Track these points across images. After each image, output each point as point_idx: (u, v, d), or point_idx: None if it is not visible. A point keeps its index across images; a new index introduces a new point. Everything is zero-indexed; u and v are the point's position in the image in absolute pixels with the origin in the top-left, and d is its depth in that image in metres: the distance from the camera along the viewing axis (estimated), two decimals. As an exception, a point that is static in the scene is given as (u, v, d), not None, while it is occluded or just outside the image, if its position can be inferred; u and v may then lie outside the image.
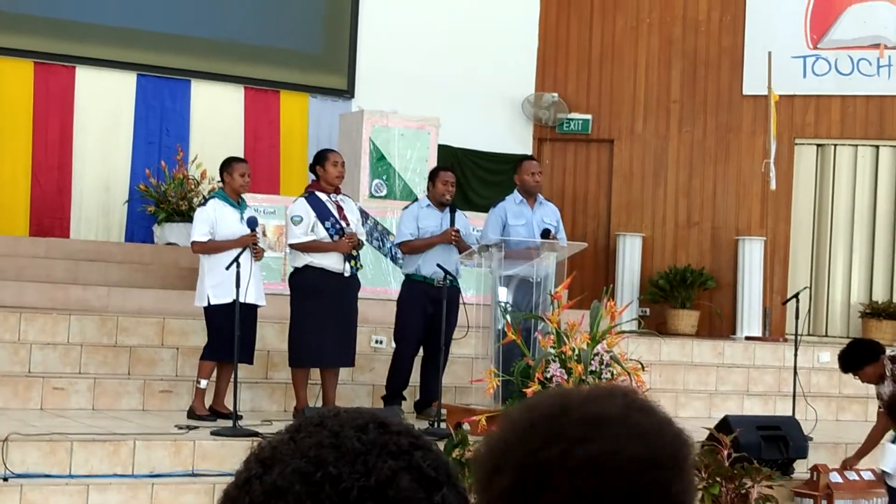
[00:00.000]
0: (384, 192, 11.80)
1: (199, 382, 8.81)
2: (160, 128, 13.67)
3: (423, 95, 13.92)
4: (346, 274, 8.95)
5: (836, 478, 8.77)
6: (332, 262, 8.92)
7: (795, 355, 10.41)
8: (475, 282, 9.90)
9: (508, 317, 8.67)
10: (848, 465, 8.79)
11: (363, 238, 9.23)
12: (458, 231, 9.37)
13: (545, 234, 9.33)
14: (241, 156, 11.26)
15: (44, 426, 7.77)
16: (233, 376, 8.40)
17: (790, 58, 14.61)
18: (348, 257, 8.95)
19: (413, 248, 9.41)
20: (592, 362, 8.23)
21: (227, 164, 9.09)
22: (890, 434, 7.80)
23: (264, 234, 10.45)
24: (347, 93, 14.59)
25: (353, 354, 9.08)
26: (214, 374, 8.88)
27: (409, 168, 11.81)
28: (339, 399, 9.14)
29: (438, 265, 9.09)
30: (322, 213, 8.97)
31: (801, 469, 9.09)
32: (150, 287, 11.20)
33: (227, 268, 8.36)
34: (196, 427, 8.23)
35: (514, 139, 15.28)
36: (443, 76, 14.65)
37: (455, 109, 13.93)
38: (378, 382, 9.78)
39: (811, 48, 14.81)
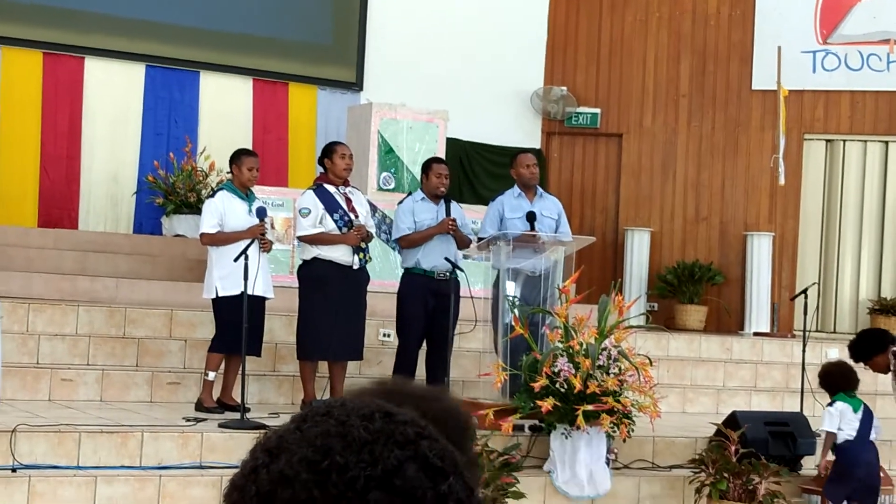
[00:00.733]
0: (392, 185, 11.80)
1: (207, 374, 8.81)
2: (169, 119, 13.67)
3: (432, 88, 13.92)
4: (355, 266, 8.94)
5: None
6: (340, 254, 8.90)
7: (804, 351, 10.39)
8: (483, 275, 9.89)
9: (517, 311, 8.67)
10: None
11: (372, 230, 9.21)
12: (454, 220, 9.28)
13: (530, 216, 9.28)
14: (250, 148, 11.24)
15: (52, 417, 7.77)
16: (241, 369, 8.41)
17: (800, 53, 14.59)
18: (357, 250, 8.93)
19: (411, 241, 9.34)
20: (600, 357, 8.23)
21: (237, 157, 9.07)
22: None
23: (272, 227, 10.44)
24: (356, 85, 14.59)
25: (361, 348, 9.07)
26: (222, 366, 8.89)
27: (417, 161, 11.77)
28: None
29: (446, 258, 9.08)
30: (330, 205, 8.95)
31: (808, 465, 9.08)
32: (159, 279, 11.19)
33: (236, 259, 8.36)
34: (204, 419, 8.24)
35: (523, 133, 15.25)
36: (451, 69, 14.64)
37: (463, 103, 13.91)
38: (386, 376, 9.78)
39: (821, 43, 14.78)
